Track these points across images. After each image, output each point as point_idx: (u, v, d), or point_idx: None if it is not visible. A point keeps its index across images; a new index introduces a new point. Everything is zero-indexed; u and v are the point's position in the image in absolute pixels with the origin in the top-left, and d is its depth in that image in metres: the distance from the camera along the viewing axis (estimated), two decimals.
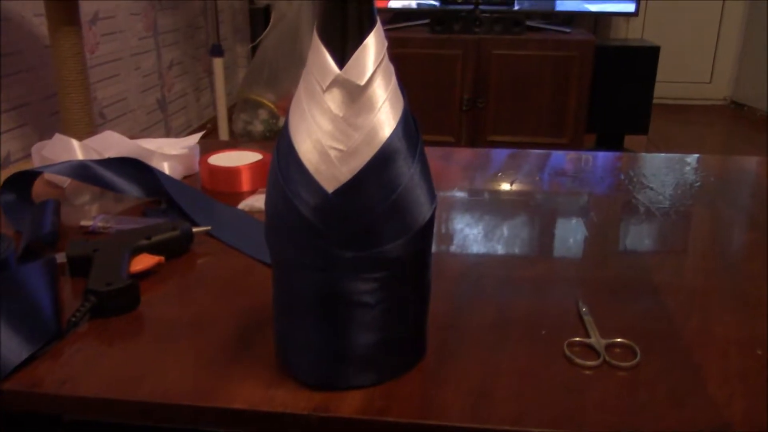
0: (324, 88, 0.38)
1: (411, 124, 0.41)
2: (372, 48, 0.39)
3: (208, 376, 0.43)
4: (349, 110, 0.38)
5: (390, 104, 0.39)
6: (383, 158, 0.39)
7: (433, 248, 0.63)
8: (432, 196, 0.42)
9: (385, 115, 0.39)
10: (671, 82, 4.02)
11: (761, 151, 3.29)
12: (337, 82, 0.38)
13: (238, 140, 3.09)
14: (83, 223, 0.67)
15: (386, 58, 0.40)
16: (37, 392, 0.42)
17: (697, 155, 0.93)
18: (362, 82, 0.38)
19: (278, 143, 0.41)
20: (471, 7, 2.87)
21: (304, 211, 0.39)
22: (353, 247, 0.39)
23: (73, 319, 0.49)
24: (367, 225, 0.39)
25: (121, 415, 0.42)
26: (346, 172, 0.38)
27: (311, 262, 0.40)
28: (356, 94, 0.38)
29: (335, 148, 0.38)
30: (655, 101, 3.07)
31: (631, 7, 3.00)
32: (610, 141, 3.16)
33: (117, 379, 0.43)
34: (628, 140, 3.18)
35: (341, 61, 0.38)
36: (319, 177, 0.38)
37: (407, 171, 0.40)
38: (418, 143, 0.41)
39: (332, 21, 0.38)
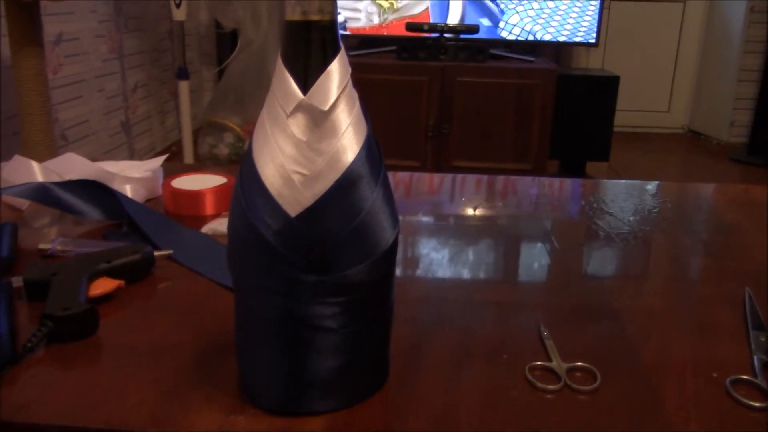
0: (288, 113, 0.39)
1: (374, 149, 0.41)
2: (336, 74, 0.39)
3: (167, 403, 0.43)
4: (312, 135, 0.39)
5: (353, 129, 0.40)
6: (346, 183, 0.39)
7: (397, 272, 0.63)
8: (395, 220, 0.42)
9: (348, 140, 0.39)
10: (631, 111, 4.12)
11: (717, 178, 3.38)
12: (300, 108, 0.38)
13: (203, 163, 3.06)
14: (42, 246, 0.66)
15: (350, 84, 0.40)
16: None
17: (656, 182, 0.95)
18: (326, 108, 0.38)
19: (241, 167, 0.41)
20: (436, 35, 2.92)
21: (267, 235, 0.39)
22: (316, 272, 0.39)
23: (29, 344, 0.47)
24: (329, 249, 0.39)
25: None
26: (309, 196, 0.38)
27: (273, 287, 0.40)
28: (320, 120, 0.39)
29: (298, 173, 0.38)
30: (615, 129, 3.15)
31: (592, 38, 3.08)
32: (573, 168, 3.22)
33: (74, 406, 0.42)
34: (590, 167, 3.24)
35: (305, 86, 0.39)
36: (283, 201, 0.38)
37: (370, 196, 0.40)
38: (381, 168, 0.41)
39: (296, 47, 0.39)
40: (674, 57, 4.19)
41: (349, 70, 0.40)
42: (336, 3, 0.39)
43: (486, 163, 2.91)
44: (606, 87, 3.03)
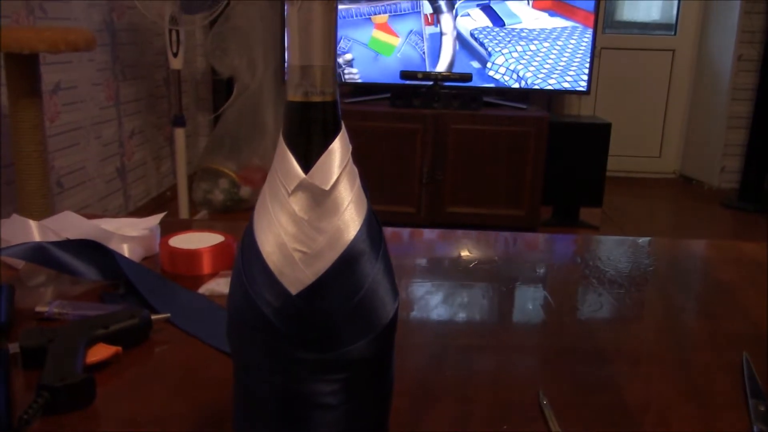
0: (289, 191, 0.39)
1: (374, 224, 0.42)
2: (337, 153, 0.40)
3: None
4: (313, 213, 0.39)
5: (354, 206, 0.40)
6: (347, 260, 0.39)
7: (396, 337, 0.63)
8: (395, 293, 0.42)
9: (349, 218, 0.40)
10: (623, 156, 4.17)
11: (710, 224, 3.41)
12: (302, 186, 0.39)
13: (198, 209, 3.07)
14: (38, 308, 0.65)
15: (350, 162, 0.41)
16: None
17: (648, 238, 0.96)
18: (327, 187, 0.39)
19: (242, 242, 0.41)
20: (430, 83, 2.96)
21: (267, 312, 0.39)
22: (316, 349, 0.39)
23: (25, 416, 0.47)
24: (330, 327, 0.39)
25: None
26: (310, 274, 0.38)
27: (272, 363, 0.40)
28: (321, 198, 0.39)
29: (299, 251, 0.39)
30: (608, 174, 3.18)
31: (583, 86, 3.13)
32: (566, 213, 3.24)
33: None
34: (584, 212, 3.26)
35: (306, 165, 0.39)
36: (283, 279, 0.39)
37: (371, 271, 0.40)
38: (381, 243, 0.42)
39: (298, 126, 0.40)
40: (664, 103, 4.26)
41: (350, 148, 0.41)
42: (337, 83, 0.40)
43: (480, 209, 2.93)
44: (598, 134, 3.07)
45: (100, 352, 0.56)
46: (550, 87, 3.16)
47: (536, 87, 3.15)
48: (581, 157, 3.09)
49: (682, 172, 4.33)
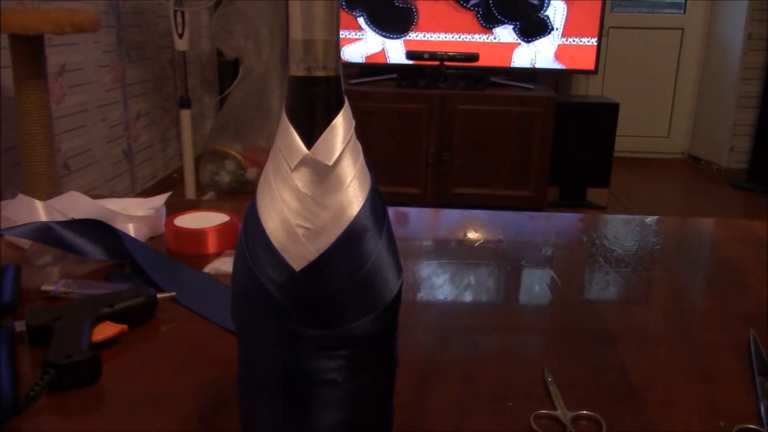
0: (292, 167, 0.39)
1: (378, 200, 0.42)
2: (340, 128, 0.39)
3: None
4: (317, 189, 0.39)
5: (358, 182, 0.40)
6: (351, 236, 0.39)
7: (402, 307, 0.63)
8: (399, 270, 0.42)
9: (352, 194, 0.39)
10: (631, 137, 4.14)
11: (718, 204, 3.39)
12: (305, 162, 0.39)
13: (204, 191, 3.07)
14: (44, 287, 0.65)
15: (354, 137, 0.40)
16: None
17: (656, 217, 0.95)
18: (330, 162, 0.39)
19: (246, 220, 0.41)
20: (436, 63, 2.94)
21: (271, 289, 0.39)
22: (320, 326, 0.39)
23: (32, 393, 0.47)
24: (334, 303, 0.39)
25: None
26: (313, 250, 0.38)
27: (276, 340, 0.40)
28: (324, 174, 0.39)
29: (303, 227, 0.38)
30: (616, 155, 3.16)
31: (590, 65, 3.10)
32: (573, 194, 3.22)
33: None
34: (591, 193, 3.24)
35: (309, 140, 0.39)
36: (287, 255, 0.38)
37: (374, 248, 0.40)
38: (384, 219, 0.41)
39: (301, 102, 0.39)
40: (673, 83, 4.22)
41: (353, 123, 0.40)
42: (340, 58, 0.40)
43: (486, 190, 2.92)
44: (605, 114, 3.05)
45: (105, 330, 0.56)
46: (557, 67, 3.14)
47: (544, 67, 3.12)
48: (589, 137, 3.07)
49: (690, 152, 4.31)
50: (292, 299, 0.39)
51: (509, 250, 0.82)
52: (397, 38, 3.08)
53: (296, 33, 0.38)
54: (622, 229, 0.90)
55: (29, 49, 1.65)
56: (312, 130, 0.39)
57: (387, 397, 0.45)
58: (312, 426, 0.41)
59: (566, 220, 0.96)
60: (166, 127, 3.30)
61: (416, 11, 3.05)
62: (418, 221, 0.94)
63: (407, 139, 2.87)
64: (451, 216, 0.96)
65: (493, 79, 3.04)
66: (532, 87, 3.01)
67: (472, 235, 0.87)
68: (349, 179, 0.39)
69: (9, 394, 0.47)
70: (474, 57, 2.97)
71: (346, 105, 0.40)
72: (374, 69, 3.13)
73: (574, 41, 3.07)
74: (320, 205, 0.39)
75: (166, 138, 3.32)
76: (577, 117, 3.04)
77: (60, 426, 0.45)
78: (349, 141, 0.40)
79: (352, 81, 2.99)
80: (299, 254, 0.38)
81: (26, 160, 1.75)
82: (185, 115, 2.88)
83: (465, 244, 0.83)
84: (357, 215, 0.39)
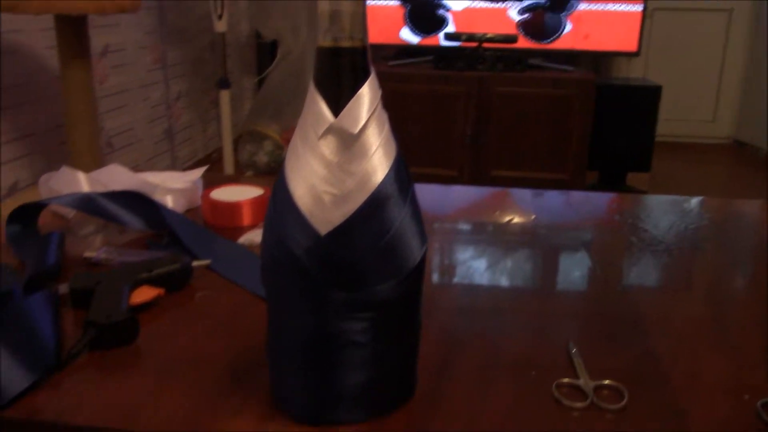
0: (319, 135, 0.40)
1: (403, 169, 0.43)
2: (366, 98, 0.40)
3: (201, 410, 0.44)
4: (342, 157, 0.40)
5: (383, 151, 0.41)
6: (375, 203, 0.40)
7: (431, 284, 0.64)
8: (423, 239, 0.43)
9: (377, 161, 0.41)
10: (674, 120, 4.06)
11: (762, 190, 3.31)
12: (331, 130, 0.40)
13: (243, 171, 3.12)
14: (87, 254, 0.68)
15: (380, 107, 0.42)
16: (36, 420, 0.43)
17: (699, 198, 0.94)
18: (355, 131, 0.40)
19: (275, 186, 0.43)
20: (474, 45, 2.92)
21: (298, 252, 0.40)
22: (344, 288, 0.41)
23: (74, 350, 0.50)
24: (358, 267, 0.40)
25: None
26: (338, 215, 0.40)
27: (303, 302, 0.41)
28: (350, 142, 0.40)
29: (329, 193, 0.40)
30: (658, 139, 3.10)
31: (632, 47, 3.04)
32: (613, 178, 3.18)
33: (113, 410, 0.44)
34: (631, 177, 3.19)
35: (336, 109, 0.40)
36: (313, 220, 0.40)
37: (398, 215, 0.41)
38: (409, 187, 0.43)
39: (328, 72, 0.40)
40: (720, 65, 4.11)
41: (380, 93, 0.42)
42: (366, 29, 0.41)
43: (523, 173, 2.90)
44: (647, 97, 2.99)
45: (143, 294, 0.58)
46: (597, 49, 3.08)
47: (583, 49, 3.07)
48: (629, 120, 3.02)
49: (736, 137, 4.20)
50: (318, 263, 0.40)
51: (543, 229, 0.82)
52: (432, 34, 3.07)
53: (323, 4, 0.39)
54: (662, 209, 0.89)
55: (73, 30, 1.69)
56: (338, 100, 0.40)
57: (410, 360, 0.46)
58: (337, 385, 0.43)
59: (606, 199, 0.95)
60: (206, 108, 3.35)
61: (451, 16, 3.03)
62: (452, 198, 0.94)
63: (444, 120, 2.86)
64: (485, 193, 0.97)
65: (532, 61, 3.00)
66: (571, 69, 2.97)
67: (505, 213, 0.87)
68: (374, 147, 0.41)
69: (52, 350, 0.50)
70: (513, 38, 2.94)
71: (373, 75, 0.41)
72: (412, 50, 3.12)
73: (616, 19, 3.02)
74: (346, 172, 0.40)
75: (206, 118, 3.37)
76: (617, 99, 2.99)
77: (99, 380, 0.48)
78: (374, 110, 0.41)
79: (390, 63, 2.98)
80: (325, 219, 0.40)
81: (71, 138, 1.80)
82: (224, 96, 2.92)
83: (498, 223, 0.84)
84: (381, 182, 0.40)
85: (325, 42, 0.40)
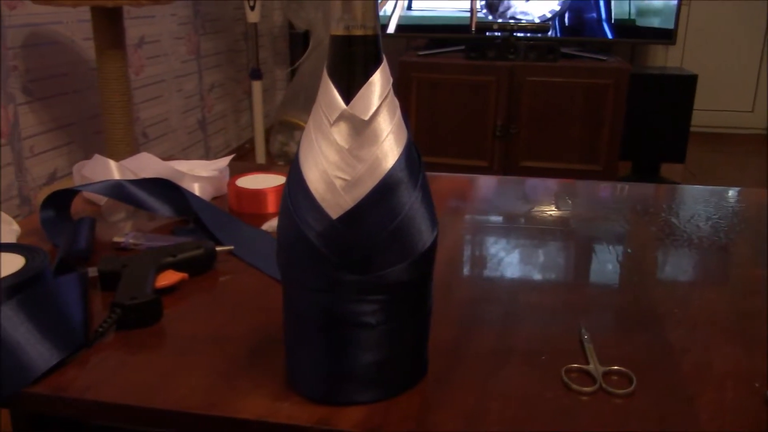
0: (331, 122, 0.41)
1: (414, 155, 0.44)
2: (377, 85, 0.41)
3: (219, 388, 0.46)
4: (354, 143, 0.41)
5: (394, 137, 0.42)
6: (385, 188, 0.41)
7: (451, 271, 0.65)
8: (433, 223, 0.44)
9: (388, 147, 0.42)
10: (712, 111, 3.98)
11: None
12: (343, 117, 0.41)
13: (275, 161, 3.15)
14: (116, 239, 0.71)
15: (391, 94, 0.43)
16: (63, 396, 0.46)
17: (734, 189, 0.93)
18: (366, 117, 0.41)
19: (290, 172, 0.44)
20: (506, 34, 2.90)
21: (311, 236, 0.41)
22: (356, 271, 0.42)
23: (100, 329, 0.52)
24: (369, 250, 0.42)
25: (137, 420, 0.45)
26: (349, 200, 0.41)
27: (316, 284, 0.43)
28: (361, 128, 0.41)
29: (340, 178, 0.41)
30: (693, 130, 3.05)
31: (668, 36, 2.99)
32: (647, 169, 3.13)
33: (136, 387, 0.46)
34: (665, 168, 3.15)
35: (348, 97, 0.41)
36: (325, 204, 0.41)
37: (408, 200, 0.42)
38: (420, 173, 0.43)
39: (340, 60, 0.41)
40: (760, 55, 4.01)
41: (391, 80, 0.42)
42: (378, 17, 0.42)
43: (555, 164, 2.88)
44: (682, 86, 2.94)
45: (168, 278, 0.60)
46: (631, 39, 3.04)
47: (617, 39, 3.03)
48: (664, 110, 2.97)
49: None
50: (329, 246, 0.41)
51: (569, 220, 0.82)
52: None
53: None
54: (695, 201, 0.88)
55: (109, 21, 1.73)
56: (351, 87, 0.41)
57: (421, 342, 0.47)
58: (348, 365, 0.44)
59: (640, 188, 0.95)
60: (239, 98, 3.39)
61: None
62: (480, 186, 0.95)
63: (474, 111, 2.85)
64: (516, 182, 0.97)
65: (565, 50, 2.97)
66: (605, 58, 2.93)
67: (532, 203, 0.87)
68: (385, 134, 0.42)
69: (80, 329, 0.52)
70: (545, 27, 2.91)
71: (384, 63, 0.42)
72: (443, 40, 3.12)
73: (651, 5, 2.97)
74: (357, 158, 0.41)
75: (239, 109, 3.41)
76: (652, 89, 2.95)
77: (124, 358, 0.50)
78: (385, 97, 0.42)
79: (420, 52, 2.98)
80: (336, 203, 0.41)
81: (107, 128, 1.84)
82: (257, 86, 2.95)
83: (522, 213, 0.84)
84: (392, 168, 0.41)
85: (338, 30, 0.41)
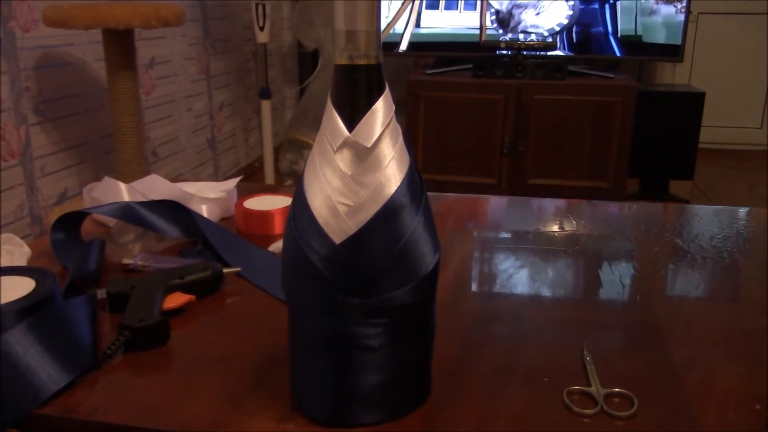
0: (335, 149, 0.42)
1: (416, 179, 0.44)
2: (380, 113, 0.42)
3: (225, 409, 0.47)
4: (357, 169, 0.42)
5: (396, 163, 0.43)
6: (387, 213, 0.42)
7: (455, 289, 0.66)
8: (435, 247, 0.45)
9: (391, 173, 0.42)
10: (720, 127, 3.98)
11: None
12: (346, 144, 0.42)
13: (283, 179, 3.17)
14: (125, 261, 0.72)
15: (393, 120, 0.43)
16: (71, 418, 0.46)
17: (743, 209, 0.93)
18: (369, 144, 0.42)
19: (294, 196, 0.45)
20: (513, 52, 2.92)
21: (315, 260, 0.42)
22: (359, 295, 0.43)
23: (108, 351, 0.53)
24: (372, 274, 0.42)
25: None
26: (352, 225, 0.42)
27: (320, 307, 0.43)
28: (364, 155, 0.42)
29: (343, 204, 0.42)
30: (702, 146, 3.05)
31: (675, 53, 3.00)
32: (655, 186, 3.13)
33: (143, 409, 0.47)
34: (674, 185, 3.14)
35: (351, 124, 0.42)
36: (328, 229, 0.42)
37: (410, 224, 0.43)
38: (422, 198, 0.44)
39: (344, 88, 0.42)
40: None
41: (393, 107, 0.43)
42: (380, 47, 0.43)
43: (562, 181, 2.89)
44: (690, 104, 2.94)
45: (175, 300, 0.61)
46: (639, 56, 3.05)
47: (624, 56, 3.04)
48: (672, 127, 2.97)
49: None
50: (333, 270, 0.42)
51: (575, 239, 0.82)
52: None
53: (339, 24, 0.42)
54: (702, 221, 0.89)
55: (120, 43, 1.76)
56: (354, 115, 0.42)
57: (424, 364, 0.48)
58: (352, 387, 0.45)
59: (648, 208, 0.95)
60: (248, 117, 3.42)
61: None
62: (488, 207, 0.95)
63: (482, 128, 2.87)
64: (522, 203, 0.98)
65: (573, 68, 2.99)
66: (612, 76, 2.94)
67: (539, 222, 0.88)
68: (387, 160, 0.42)
69: (89, 350, 0.53)
70: (552, 45, 2.93)
71: (387, 91, 0.43)
72: (450, 59, 3.14)
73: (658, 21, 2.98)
74: (360, 184, 0.42)
75: (248, 128, 3.44)
76: (659, 106, 2.95)
77: (132, 380, 0.51)
78: (388, 124, 0.43)
79: (428, 71, 3.00)
80: (340, 228, 0.42)
81: (118, 147, 1.86)
82: (266, 105, 2.98)
83: (528, 232, 0.85)
84: (394, 193, 0.42)
85: (342, 60, 0.42)
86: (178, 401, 0.48)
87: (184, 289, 0.63)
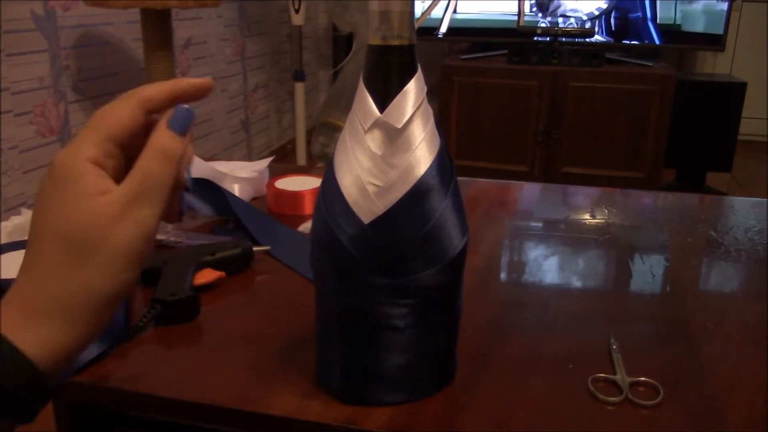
0: (366, 129, 0.42)
1: (446, 162, 0.44)
2: (412, 94, 0.42)
3: (251, 384, 0.48)
4: (387, 150, 0.42)
5: (426, 144, 0.43)
6: (417, 194, 0.42)
7: (484, 277, 0.66)
8: (464, 230, 0.45)
9: (421, 155, 0.43)
10: (761, 119, 3.88)
11: None
12: (377, 124, 0.42)
13: (315, 162, 3.18)
14: (158, 236, 0.73)
15: (425, 102, 0.43)
16: (103, 386, 0.48)
17: None
18: (400, 125, 0.42)
19: (325, 176, 0.45)
20: (550, 38, 2.88)
21: (343, 239, 0.43)
22: (386, 275, 0.43)
23: (140, 324, 0.54)
24: (399, 255, 0.43)
25: (172, 412, 0.47)
26: (381, 205, 0.42)
27: (347, 287, 0.44)
28: (394, 136, 0.42)
29: (373, 184, 0.42)
30: (741, 138, 2.98)
31: (717, 42, 2.93)
32: (691, 178, 3.08)
33: (173, 380, 0.48)
34: (711, 177, 3.09)
35: (383, 105, 0.42)
36: (357, 209, 0.42)
37: (439, 206, 0.43)
38: (451, 181, 0.44)
39: (376, 69, 0.43)
40: None
41: (425, 89, 0.43)
42: (414, 28, 0.43)
43: (597, 171, 2.85)
44: (731, 94, 2.88)
45: (206, 276, 0.62)
46: (678, 44, 2.99)
47: (664, 44, 2.98)
48: (711, 118, 2.91)
49: None
50: (361, 250, 0.43)
51: (608, 229, 0.82)
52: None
53: (374, 4, 0.42)
54: (739, 213, 0.87)
55: (157, 23, 1.78)
56: (386, 95, 0.42)
57: (449, 346, 0.48)
58: (377, 367, 0.45)
59: (682, 198, 0.94)
60: (282, 99, 3.44)
61: None
62: (522, 194, 0.95)
63: (516, 115, 2.84)
64: (553, 190, 0.97)
65: (610, 55, 2.94)
66: (650, 64, 2.89)
67: (572, 211, 0.87)
68: (417, 141, 0.43)
69: (121, 323, 0.54)
70: (590, 32, 2.88)
71: (419, 71, 0.43)
72: (486, 44, 3.11)
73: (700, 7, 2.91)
74: (390, 165, 0.42)
75: (282, 110, 3.45)
76: (698, 96, 2.89)
77: (162, 352, 0.52)
78: (419, 106, 0.43)
79: (463, 56, 2.98)
80: (369, 209, 0.42)
81: None
82: (299, 88, 2.99)
83: (566, 219, 0.84)
84: (423, 175, 0.42)
85: (375, 40, 0.42)
86: (206, 375, 0.49)
87: (215, 265, 0.64)
